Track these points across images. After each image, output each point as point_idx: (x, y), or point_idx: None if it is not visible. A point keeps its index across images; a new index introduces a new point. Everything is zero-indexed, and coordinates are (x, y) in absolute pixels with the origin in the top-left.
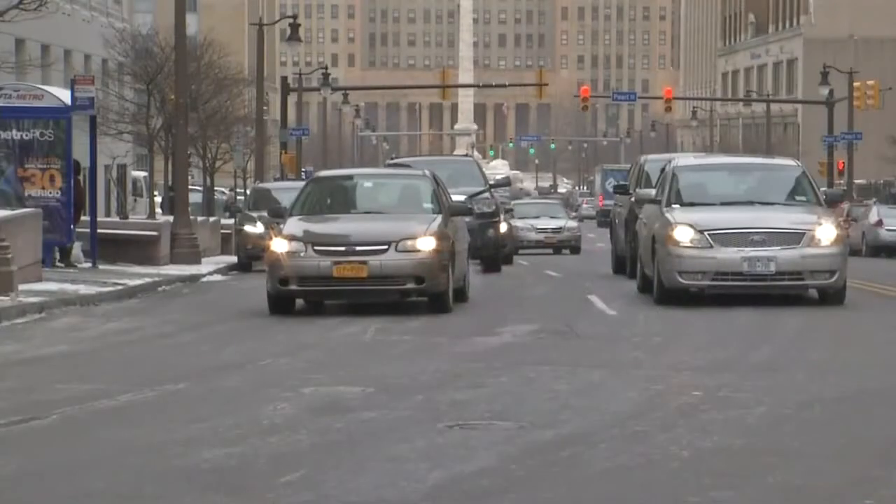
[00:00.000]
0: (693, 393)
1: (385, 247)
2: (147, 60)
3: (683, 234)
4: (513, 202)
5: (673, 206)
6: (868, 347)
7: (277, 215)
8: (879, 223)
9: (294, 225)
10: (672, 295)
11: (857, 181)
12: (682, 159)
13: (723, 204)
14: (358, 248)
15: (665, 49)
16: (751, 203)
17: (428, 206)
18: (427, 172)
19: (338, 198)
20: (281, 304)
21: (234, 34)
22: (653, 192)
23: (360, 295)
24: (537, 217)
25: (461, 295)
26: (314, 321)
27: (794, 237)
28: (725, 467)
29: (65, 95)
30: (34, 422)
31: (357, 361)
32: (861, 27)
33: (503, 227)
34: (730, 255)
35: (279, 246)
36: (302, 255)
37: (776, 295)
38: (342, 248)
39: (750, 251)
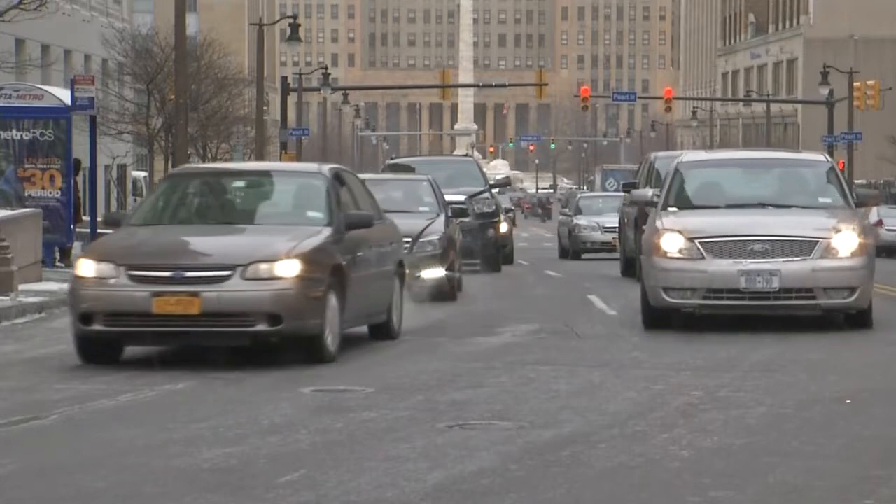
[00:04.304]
0: (693, 393)
1: (227, 272)
2: (147, 60)
3: (671, 243)
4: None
5: (669, 208)
6: (868, 347)
7: (114, 223)
8: (879, 223)
9: (115, 239)
10: (659, 317)
11: (856, 181)
12: (690, 154)
13: (728, 206)
14: (188, 275)
15: (665, 49)
16: (762, 206)
17: (316, 214)
18: (323, 169)
19: (195, 202)
20: (91, 350)
21: (234, 34)
22: (649, 192)
23: (191, 338)
24: (605, 214)
25: (385, 331)
26: None
27: (803, 247)
28: (725, 467)
29: (65, 95)
30: (34, 422)
31: (357, 361)
32: (861, 27)
33: (503, 227)
34: (724, 267)
35: (84, 269)
36: (112, 282)
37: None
38: (167, 275)
39: (749, 263)
